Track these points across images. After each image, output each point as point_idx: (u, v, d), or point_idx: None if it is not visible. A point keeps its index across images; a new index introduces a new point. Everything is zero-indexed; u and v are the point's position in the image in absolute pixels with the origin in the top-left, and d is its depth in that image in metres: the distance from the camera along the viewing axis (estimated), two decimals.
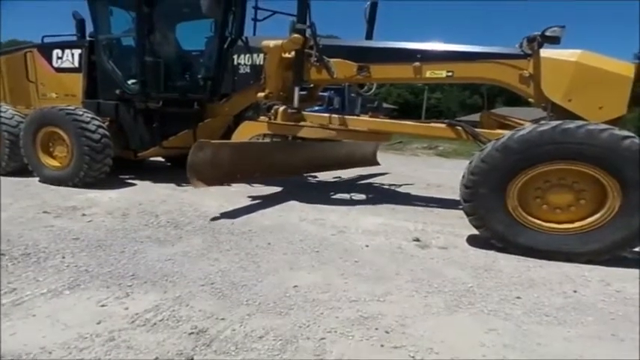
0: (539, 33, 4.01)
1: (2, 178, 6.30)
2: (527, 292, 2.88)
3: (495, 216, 3.60)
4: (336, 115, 5.46)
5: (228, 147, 5.04)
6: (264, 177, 5.82)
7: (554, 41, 4.00)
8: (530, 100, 4.48)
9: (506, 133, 3.69)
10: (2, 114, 6.44)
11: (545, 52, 4.17)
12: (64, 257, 3.21)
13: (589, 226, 3.44)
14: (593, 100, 3.94)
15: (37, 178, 6.09)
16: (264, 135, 5.80)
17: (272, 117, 5.21)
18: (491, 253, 3.64)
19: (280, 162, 5.71)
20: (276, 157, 5.69)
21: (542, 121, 3.67)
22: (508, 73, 4.39)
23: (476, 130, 4.57)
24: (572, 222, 3.51)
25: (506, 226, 3.59)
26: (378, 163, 7.82)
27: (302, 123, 5.20)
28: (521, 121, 4.80)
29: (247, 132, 5.44)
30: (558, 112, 4.09)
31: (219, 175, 4.76)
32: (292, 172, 6.36)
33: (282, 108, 5.16)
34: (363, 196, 6.01)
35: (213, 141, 4.61)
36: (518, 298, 2.79)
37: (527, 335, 2.32)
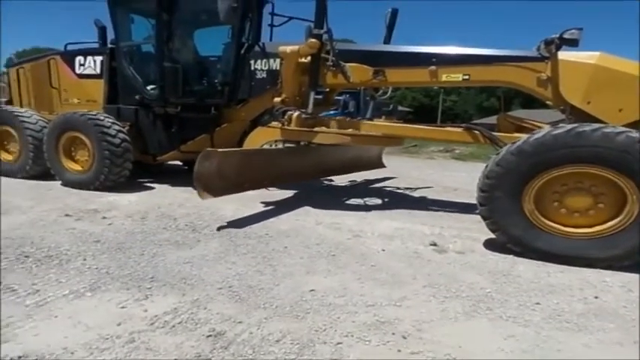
0: (557, 35, 3.98)
1: (26, 181, 6.48)
2: (547, 298, 2.84)
3: (511, 220, 3.57)
4: (351, 120, 5.45)
5: (235, 155, 4.96)
6: (271, 184, 5.75)
7: (573, 44, 3.95)
8: (548, 102, 4.43)
9: (522, 136, 3.66)
10: (27, 119, 6.62)
11: (563, 55, 4.13)
12: (85, 259, 3.28)
13: (609, 231, 3.37)
14: (613, 103, 3.88)
15: (59, 182, 6.24)
16: (276, 140, 5.80)
17: (286, 122, 5.23)
18: (510, 257, 3.60)
19: (288, 168, 5.68)
20: (283, 163, 5.65)
21: (561, 124, 3.63)
22: (526, 76, 4.35)
23: (493, 133, 4.53)
24: (591, 226, 3.45)
25: (522, 230, 3.56)
26: (383, 166, 7.81)
27: (316, 129, 5.19)
28: (539, 124, 4.74)
29: (260, 138, 5.44)
30: (577, 114, 4.04)
31: (226, 185, 4.65)
32: (300, 178, 6.29)
33: (296, 113, 5.15)
34: (378, 200, 6.00)
35: (219, 150, 4.53)
36: (537, 303, 2.75)
37: (547, 342, 2.29)
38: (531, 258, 3.54)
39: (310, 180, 6.70)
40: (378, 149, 7.56)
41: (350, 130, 5.18)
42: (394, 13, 5.71)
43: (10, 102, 7.83)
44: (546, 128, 3.66)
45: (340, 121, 5.42)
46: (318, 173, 6.62)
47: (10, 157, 6.92)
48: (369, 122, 5.37)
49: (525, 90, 4.52)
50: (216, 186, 4.49)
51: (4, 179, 6.61)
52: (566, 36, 3.93)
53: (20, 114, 6.73)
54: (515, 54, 4.47)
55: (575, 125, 3.40)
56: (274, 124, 5.42)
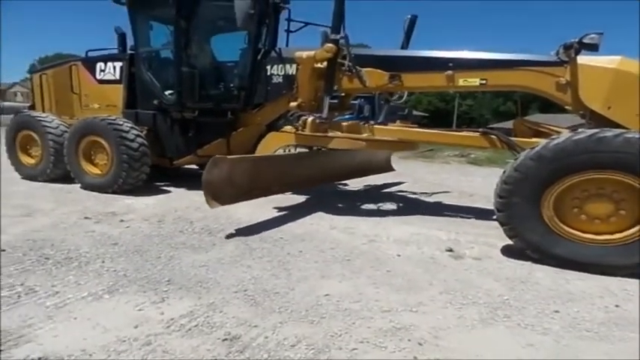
0: (577, 40, 3.93)
1: (47, 184, 6.61)
2: (566, 306, 2.79)
3: (530, 226, 3.52)
4: (365, 124, 5.44)
5: (244, 162, 4.90)
6: (281, 191, 5.65)
7: (593, 48, 3.90)
8: (567, 107, 4.36)
9: (541, 141, 3.61)
10: (48, 124, 6.76)
11: (583, 59, 4.07)
12: (103, 262, 3.34)
13: (630, 238, 3.30)
14: (634, 108, 3.81)
15: (79, 185, 6.35)
16: (288, 145, 5.79)
17: (300, 127, 5.23)
18: (527, 264, 3.54)
19: (298, 174, 5.65)
20: (293, 169, 5.61)
21: (580, 129, 3.57)
22: (544, 81, 4.30)
23: (510, 138, 4.48)
24: (612, 233, 3.38)
25: (541, 237, 3.50)
26: (392, 169, 7.78)
27: (330, 134, 5.19)
28: (557, 129, 4.68)
29: (274, 143, 5.44)
30: (597, 120, 3.97)
31: (236, 193, 4.56)
32: (310, 184, 6.25)
33: (310, 118, 5.14)
34: (393, 205, 5.97)
35: (229, 157, 4.49)
36: (556, 311, 2.70)
37: (567, 351, 2.25)
38: (550, 265, 3.48)
39: (319, 185, 6.68)
40: (386, 153, 7.52)
41: (365, 135, 5.17)
42: (413, 20, 5.71)
43: (32, 107, 8.01)
44: (566, 133, 3.60)
45: (354, 125, 5.41)
46: (326, 178, 6.56)
47: (32, 161, 7.07)
48: (384, 127, 5.34)
49: (544, 95, 4.46)
50: (226, 194, 4.38)
51: (26, 182, 6.76)
52: (585, 40, 3.88)
53: (42, 119, 6.88)
54: (534, 58, 4.42)
55: (597, 130, 3.35)
56: (287, 128, 5.43)
